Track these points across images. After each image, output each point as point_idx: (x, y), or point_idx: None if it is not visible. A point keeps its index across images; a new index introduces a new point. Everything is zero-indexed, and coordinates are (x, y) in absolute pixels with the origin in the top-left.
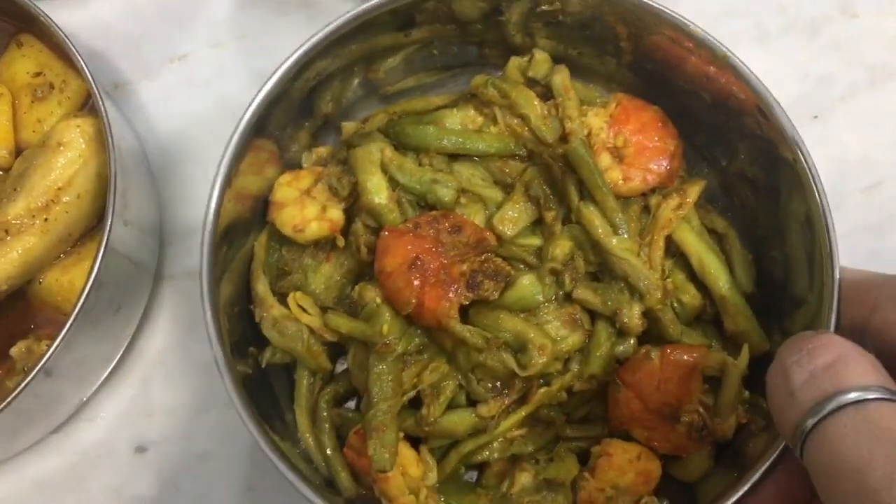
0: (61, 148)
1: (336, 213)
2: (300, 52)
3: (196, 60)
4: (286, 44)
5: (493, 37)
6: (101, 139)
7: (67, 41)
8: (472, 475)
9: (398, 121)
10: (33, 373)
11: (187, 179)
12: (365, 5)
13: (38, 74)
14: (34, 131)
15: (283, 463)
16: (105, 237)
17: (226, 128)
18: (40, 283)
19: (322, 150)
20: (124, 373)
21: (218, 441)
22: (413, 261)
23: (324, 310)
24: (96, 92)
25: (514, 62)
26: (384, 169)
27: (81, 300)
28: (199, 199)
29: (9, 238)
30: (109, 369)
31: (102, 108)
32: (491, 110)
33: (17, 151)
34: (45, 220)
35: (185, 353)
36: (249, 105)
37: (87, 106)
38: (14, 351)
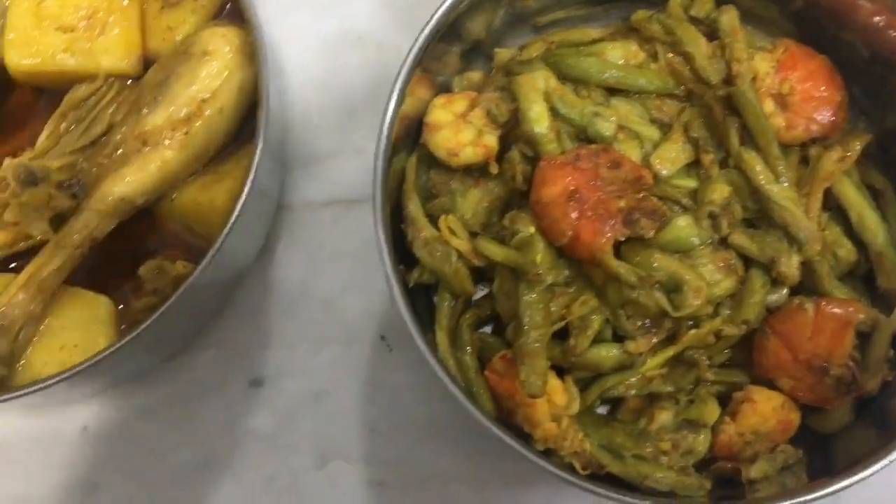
0: (207, 57)
1: (492, 140)
2: None
3: None
4: None
5: None
6: (246, 51)
7: None
8: (603, 410)
9: (557, 51)
10: (176, 294)
11: (311, 105)
12: None
13: None
14: (164, 39)
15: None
16: (256, 155)
17: (348, 54)
18: (172, 200)
19: (474, 75)
20: (240, 304)
21: (336, 380)
22: (571, 193)
23: (471, 234)
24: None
25: None
26: (546, 99)
27: (232, 220)
28: (321, 127)
29: (147, 150)
30: (227, 299)
31: (254, 17)
32: (652, 46)
33: (145, 59)
34: (186, 133)
35: (304, 288)
36: (425, 26)
37: (222, 15)
38: (143, 270)
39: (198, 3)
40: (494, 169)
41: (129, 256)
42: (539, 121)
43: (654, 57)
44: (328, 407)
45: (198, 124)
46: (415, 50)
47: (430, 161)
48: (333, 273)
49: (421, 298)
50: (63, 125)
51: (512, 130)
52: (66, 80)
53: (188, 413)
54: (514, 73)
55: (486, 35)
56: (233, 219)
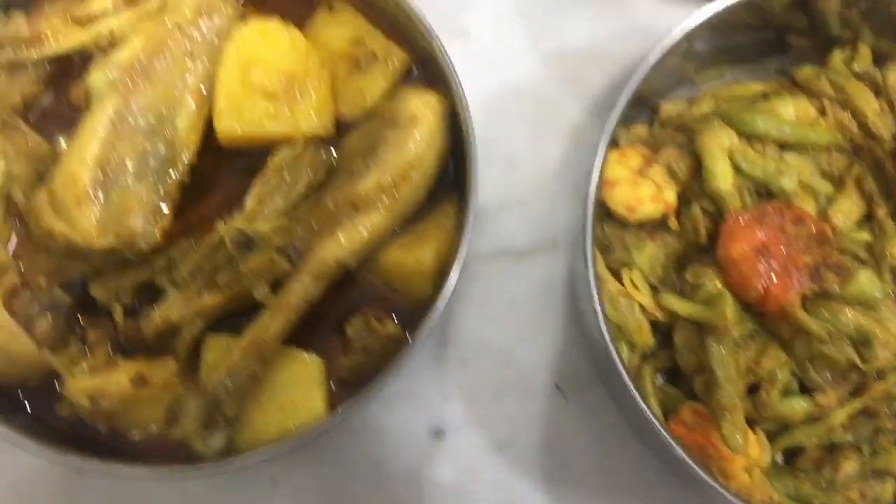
0: (413, 124)
1: (671, 195)
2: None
3: (479, 39)
4: (573, 26)
5: (800, 25)
6: (444, 115)
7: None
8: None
9: (729, 106)
10: (399, 357)
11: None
12: None
13: (356, 43)
14: (354, 102)
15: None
16: (470, 219)
17: (512, 108)
18: (377, 260)
19: (640, 129)
20: (420, 355)
21: (516, 430)
22: (761, 248)
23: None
24: (449, 65)
25: (838, 55)
26: (729, 155)
27: (453, 284)
28: (485, 181)
29: (358, 214)
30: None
31: (455, 82)
32: (819, 102)
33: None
34: (394, 197)
35: (480, 339)
36: (615, 108)
37: (411, 77)
38: (351, 330)
39: (388, 68)
40: (674, 224)
41: (331, 313)
42: (724, 178)
43: (821, 112)
44: (509, 457)
45: (405, 188)
46: (609, 131)
47: (603, 215)
48: (506, 324)
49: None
50: (267, 189)
51: (689, 186)
52: (268, 144)
53: (373, 464)
54: (690, 129)
55: (645, 88)
56: (453, 283)
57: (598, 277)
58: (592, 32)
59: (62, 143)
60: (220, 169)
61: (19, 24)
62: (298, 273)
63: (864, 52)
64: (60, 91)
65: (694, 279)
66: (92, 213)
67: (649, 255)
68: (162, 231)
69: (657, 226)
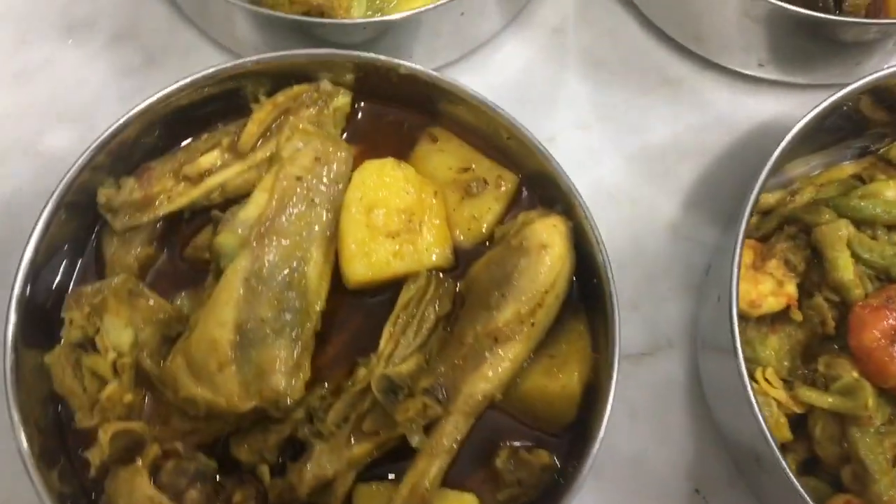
0: (545, 250)
1: (792, 288)
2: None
3: (566, 145)
4: (653, 123)
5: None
6: (570, 234)
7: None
8: None
9: (836, 195)
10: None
11: None
12: None
13: (464, 170)
14: (469, 229)
15: None
16: (616, 338)
17: (608, 210)
18: (515, 389)
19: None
20: None
21: None
22: (892, 334)
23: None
24: (572, 188)
25: None
26: (847, 244)
27: (608, 412)
28: None
29: (498, 346)
30: None
31: (580, 204)
32: None
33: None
34: (532, 324)
35: (611, 448)
36: (740, 221)
37: (521, 198)
38: (500, 463)
39: (500, 192)
40: (798, 316)
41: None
42: (847, 269)
43: None
44: None
45: (540, 315)
46: (738, 248)
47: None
48: (633, 431)
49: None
50: (399, 327)
51: (807, 276)
52: (393, 281)
53: None
54: (800, 220)
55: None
56: (608, 410)
57: (751, 379)
58: (672, 128)
59: (184, 303)
60: (341, 309)
61: (132, 188)
62: (450, 414)
63: None
64: (171, 248)
65: (827, 370)
66: (234, 376)
67: (773, 348)
68: (304, 385)
69: (777, 317)
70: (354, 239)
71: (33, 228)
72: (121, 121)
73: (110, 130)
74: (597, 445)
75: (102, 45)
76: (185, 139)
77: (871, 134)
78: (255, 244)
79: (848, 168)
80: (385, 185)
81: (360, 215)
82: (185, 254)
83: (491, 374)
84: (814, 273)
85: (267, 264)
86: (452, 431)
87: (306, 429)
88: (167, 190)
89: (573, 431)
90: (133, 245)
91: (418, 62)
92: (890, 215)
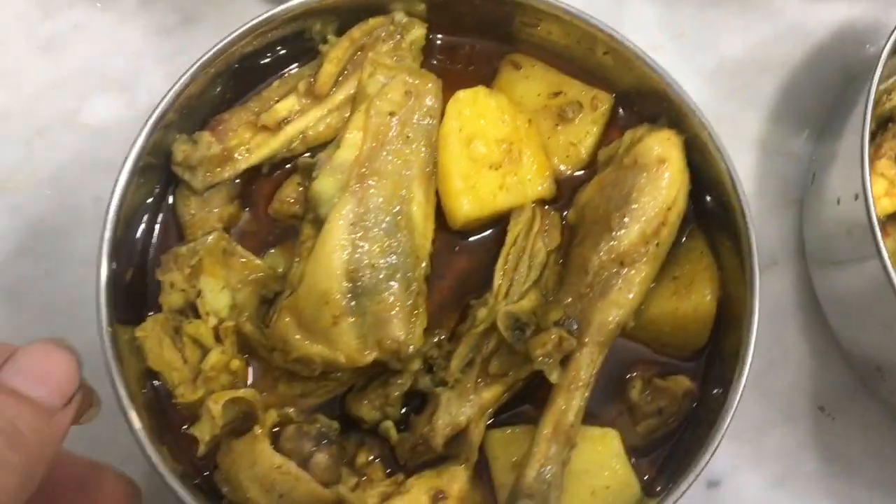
0: (664, 165)
1: None
2: None
3: None
4: (726, 38)
5: None
6: (684, 147)
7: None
8: None
9: None
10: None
11: None
12: None
13: (555, 94)
14: (567, 156)
15: None
16: (754, 251)
17: None
18: (642, 315)
19: None
20: None
21: (791, 461)
22: None
23: None
24: (685, 97)
25: None
26: None
27: (755, 327)
28: None
29: (626, 270)
30: None
31: (696, 112)
32: None
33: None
34: (657, 244)
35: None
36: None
37: (618, 118)
38: (635, 393)
39: (597, 113)
40: None
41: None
42: None
43: None
44: (791, 490)
45: (665, 233)
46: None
47: None
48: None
49: None
50: (511, 264)
51: None
52: (498, 217)
53: None
54: None
55: None
56: (755, 327)
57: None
58: (746, 42)
59: (275, 260)
60: (442, 252)
61: (209, 142)
62: (584, 345)
63: None
64: (251, 205)
65: None
66: (351, 328)
67: (891, 251)
68: (423, 331)
69: (891, 219)
70: (459, 173)
71: (110, 200)
72: (186, 76)
73: (177, 86)
74: (748, 364)
75: (134, 7)
76: (253, 89)
77: None
78: (356, 186)
79: None
80: (482, 114)
81: (460, 147)
82: (272, 209)
83: (622, 300)
84: None
85: (371, 206)
86: (589, 363)
87: (427, 379)
88: (245, 142)
89: (705, 354)
90: (214, 204)
91: None
92: None
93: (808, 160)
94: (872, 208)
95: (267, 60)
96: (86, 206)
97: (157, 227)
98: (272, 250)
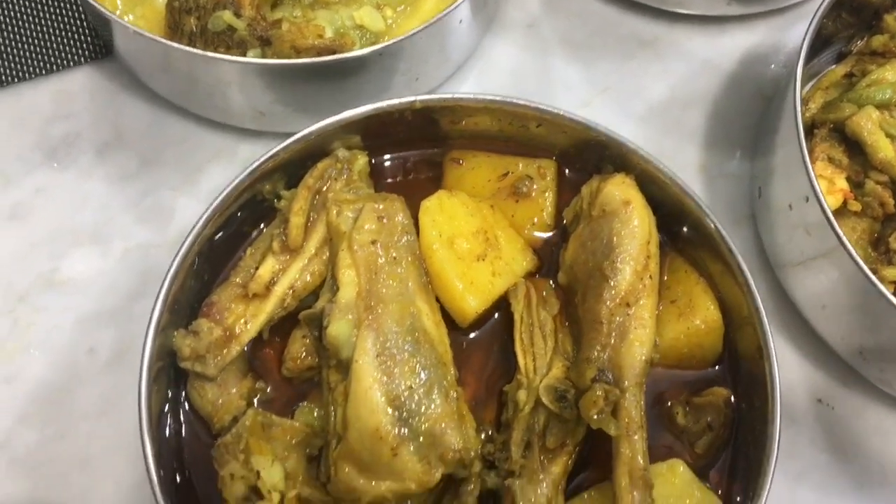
0: (629, 205)
1: (843, 182)
2: None
3: None
4: (648, 83)
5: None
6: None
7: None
8: None
9: (843, 92)
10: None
11: None
12: None
13: (503, 176)
14: (534, 224)
15: None
16: (736, 252)
17: None
18: (658, 346)
19: None
20: None
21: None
22: None
23: None
24: (620, 139)
25: (889, 17)
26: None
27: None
28: None
29: (632, 309)
30: None
31: (636, 148)
32: None
33: None
34: (650, 277)
35: None
36: None
37: (564, 179)
38: (680, 417)
39: (547, 180)
40: (856, 206)
41: None
42: (887, 147)
43: None
44: (809, 484)
45: (652, 265)
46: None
47: None
48: None
49: None
50: (526, 342)
51: (850, 168)
52: (495, 307)
53: None
54: (829, 120)
55: None
56: (765, 319)
57: None
58: (667, 83)
59: (307, 417)
60: (456, 354)
61: (209, 328)
62: (626, 391)
63: None
64: (264, 373)
65: None
66: (411, 454)
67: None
68: (475, 431)
69: (837, 215)
70: (456, 275)
71: (140, 421)
72: (170, 273)
73: (164, 286)
74: (774, 358)
75: (91, 161)
76: (227, 264)
77: (841, 37)
78: (369, 319)
79: (839, 70)
80: (451, 215)
81: (446, 251)
82: (286, 369)
83: (642, 336)
84: (855, 163)
85: (389, 333)
86: (636, 406)
87: (493, 475)
88: (242, 315)
89: (722, 360)
90: (230, 384)
91: (424, 84)
92: None
93: (748, 177)
94: (826, 205)
95: (232, 230)
96: (79, 360)
97: (183, 427)
98: (298, 408)
